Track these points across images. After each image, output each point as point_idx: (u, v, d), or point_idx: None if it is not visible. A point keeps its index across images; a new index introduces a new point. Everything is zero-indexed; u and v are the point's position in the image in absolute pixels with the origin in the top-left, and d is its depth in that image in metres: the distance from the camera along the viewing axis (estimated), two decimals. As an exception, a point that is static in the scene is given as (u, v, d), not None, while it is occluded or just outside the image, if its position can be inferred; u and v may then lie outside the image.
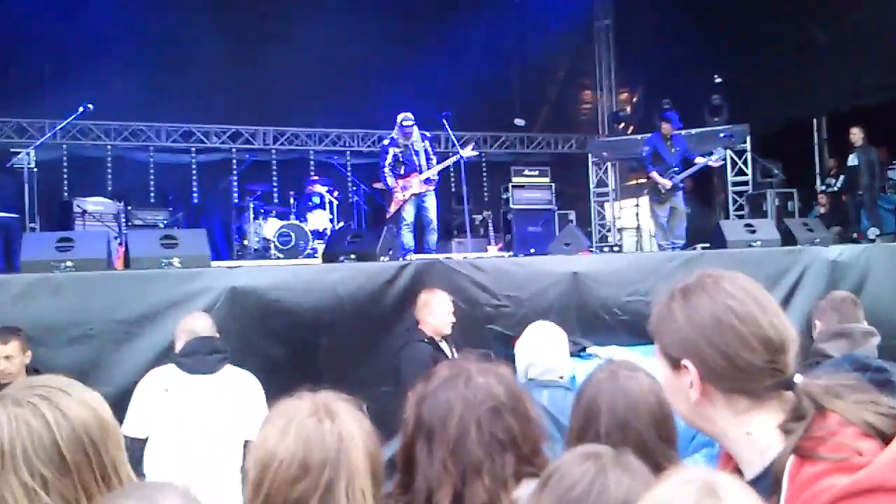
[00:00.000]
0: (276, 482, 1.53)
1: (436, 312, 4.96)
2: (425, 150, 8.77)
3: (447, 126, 8.95)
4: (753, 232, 7.17)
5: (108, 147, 12.12)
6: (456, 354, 4.85)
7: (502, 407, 1.73)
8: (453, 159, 8.94)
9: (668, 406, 1.96)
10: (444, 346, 4.95)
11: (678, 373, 1.43)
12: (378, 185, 9.26)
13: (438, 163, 8.88)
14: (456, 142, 9.00)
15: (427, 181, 8.70)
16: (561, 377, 3.21)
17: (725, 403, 1.39)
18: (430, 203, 8.78)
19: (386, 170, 8.69)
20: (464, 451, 1.68)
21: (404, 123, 8.57)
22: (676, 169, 9.44)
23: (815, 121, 12.96)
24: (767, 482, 1.29)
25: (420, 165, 8.67)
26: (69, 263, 5.03)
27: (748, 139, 12.33)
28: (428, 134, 8.93)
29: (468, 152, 8.99)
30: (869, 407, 1.30)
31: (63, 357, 4.42)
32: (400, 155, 8.65)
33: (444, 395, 1.75)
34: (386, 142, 8.87)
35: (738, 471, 1.40)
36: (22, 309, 4.57)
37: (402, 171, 8.66)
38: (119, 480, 1.41)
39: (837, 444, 1.26)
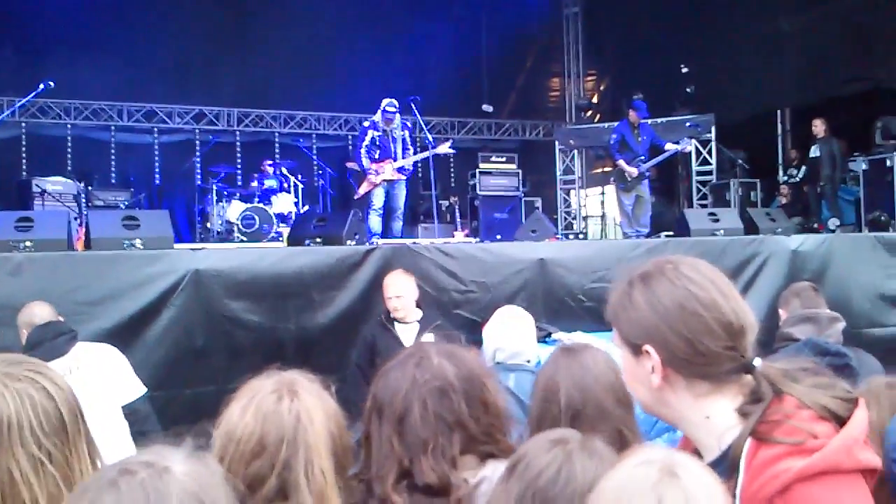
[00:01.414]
0: (235, 458, 1.53)
1: (384, 294, 4.95)
2: (403, 140, 8.77)
3: (415, 111, 8.92)
4: (717, 221, 7.26)
5: (69, 126, 11.89)
6: (428, 339, 4.79)
7: (450, 388, 1.74)
8: (428, 154, 8.93)
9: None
10: (401, 327, 4.88)
11: (639, 359, 1.43)
12: (351, 165, 9.18)
13: (415, 154, 8.88)
14: (424, 126, 8.97)
15: (400, 170, 8.69)
16: (528, 361, 3.22)
17: (686, 388, 1.40)
18: (400, 191, 8.79)
19: (362, 150, 8.66)
20: (407, 428, 1.70)
21: (388, 109, 8.56)
22: (643, 157, 9.51)
23: (778, 112, 13.13)
24: (725, 466, 1.31)
25: (396, 153, 8.67)
26: (28, 243, 4.94)
27: (713, 129, 12.45)
28: (409, 124, 8.90)
29: (444, 149, 9.00)
30: (825, 391, 1.32)
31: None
32: (378, 139, 8.63)
33: (394, 374, 1.78)
34: (366, 123, 8.83)
35: (697, 455, 1.41)
36: (-20, 289, 4.48)
37: (376, 156, 8.63)
38: (93, 445, 1.46)
39: (793, 428, 1.27)
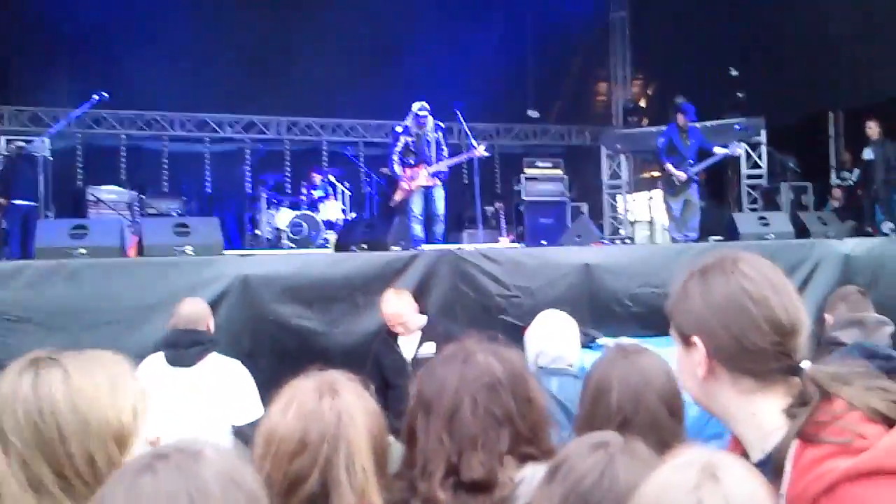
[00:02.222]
0: (277, 457, 1.55)
1: (382, 310, 4.92)
2: (437, 142, 8.65)
3: (461, 118, 8.89)
4: (767, 225, 7.16)
5: (123, 136, 12.18)
6: (427, 350, 4.71)
7: (498, 384, 1.74)
8: (464, 157, 8.87)
9: (676, 383, 1.97)
10: (403, 339, 4.85)
11: (688, 350, 1.45)
12: (385, 171, 9.18)
13: (450, 155, 8.78)
14: (469, 134, 8.95)
15: (436, 174, 8.61)
16: (570, 365, 3.20)
17: (731, 383, 1.40)
18: (438, 195, 8.67)
19: (395, 157, 8.61)
20: (458, 424, 1.70)
21: (419, 113, 8.47)
22: (691, 161, 9.40)
23: (831, 114, 12.86)
24: (771, 466, 1.30)
25: (430, 157, 8.60)
26: (83, 250, 5.07)
27: (763, 132, 12.25)
28: (442, 125, 8.83)
29: (480, 152, 8.78)
30: (876, 393, 1.30)
31: (79, 343, 4.44)
32: (411, 144, 8.57)
33: (442, 371, 1.78)
34: (399, 129, 8.77)
35: (745, 455, 1.40)
36: (38, 295, 4.62)
37: (411, 161, 8.58)
38: (96, 473, 1.34)
39: (841, 429, 1.25)
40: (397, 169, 8.58)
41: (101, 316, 4.71)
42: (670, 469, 1.11)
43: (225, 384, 3.69)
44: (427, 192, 8.65)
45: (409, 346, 4.84)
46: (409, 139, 8.58)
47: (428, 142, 8.61)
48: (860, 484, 1.18)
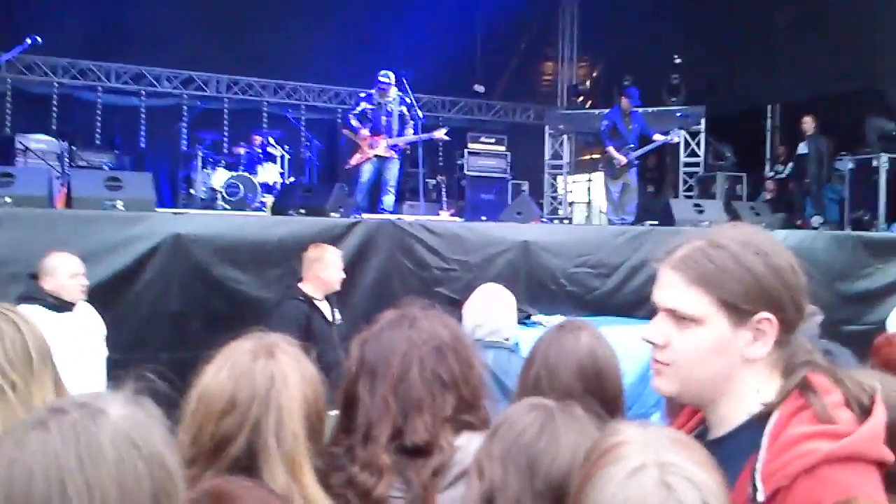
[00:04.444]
0: (206, 415, 1.52)
1: (329, 268, 4.67)
2: (401, 115, 8.64)
3: (406, 87, 8.82)
4: (702, 212, 7.31)
5: (55, 84, 11.72)
6: (337, 315, 4.71)
7: (445, 347, 1.76)
8: (422, 137, 8.88)
9: (603, 363, 1.99)
10: (322, 305, 4.66)
11: (739, 328, 1.32)
12: (346, 132, 9.09)
13: (416, 129, 8.80)
14: (416, 104, 8.90)
15: (392, 147, 8.60)
16: (506, 339, 3.21)
17: (769, 361, 1.34)
18: (393, 167, 8.73)
19: (350, 116, 8.59)
20: (405, 387, 1.70)
21: (381, 80, 8.41)
22: (632, 146, 9.50)
23: (769, 107, 13.15)
24: (745, 437, 1.31)
25: (390, 128, 8.54)
26: (8, 199, 4.91)
27: (703, 121, 12.46)
28: (408, 99, 8.73)
29: (440, 135, 8.99)
30: (853, 384, 1.32)
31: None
32: (369, 112, 8.50)
33: (387, 335, 1.78)
34: (362, 94, 8.75)
35: (699, 426, 1.42)
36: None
37: (367, 129, 8.53)
38: (62, 385, 1.53)
39: (822, 411, 1.27)
40: (354, 122, 8.50)
41: (24, 267, 4.53)
42: (624, 477, 1.01)
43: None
44: (382, 163, 8.64)
45: (328, 313, 4.68)
46: (369, 107, 8.51)
47: (388, 112, 8.55)
48: (840, 467, 1.21)
